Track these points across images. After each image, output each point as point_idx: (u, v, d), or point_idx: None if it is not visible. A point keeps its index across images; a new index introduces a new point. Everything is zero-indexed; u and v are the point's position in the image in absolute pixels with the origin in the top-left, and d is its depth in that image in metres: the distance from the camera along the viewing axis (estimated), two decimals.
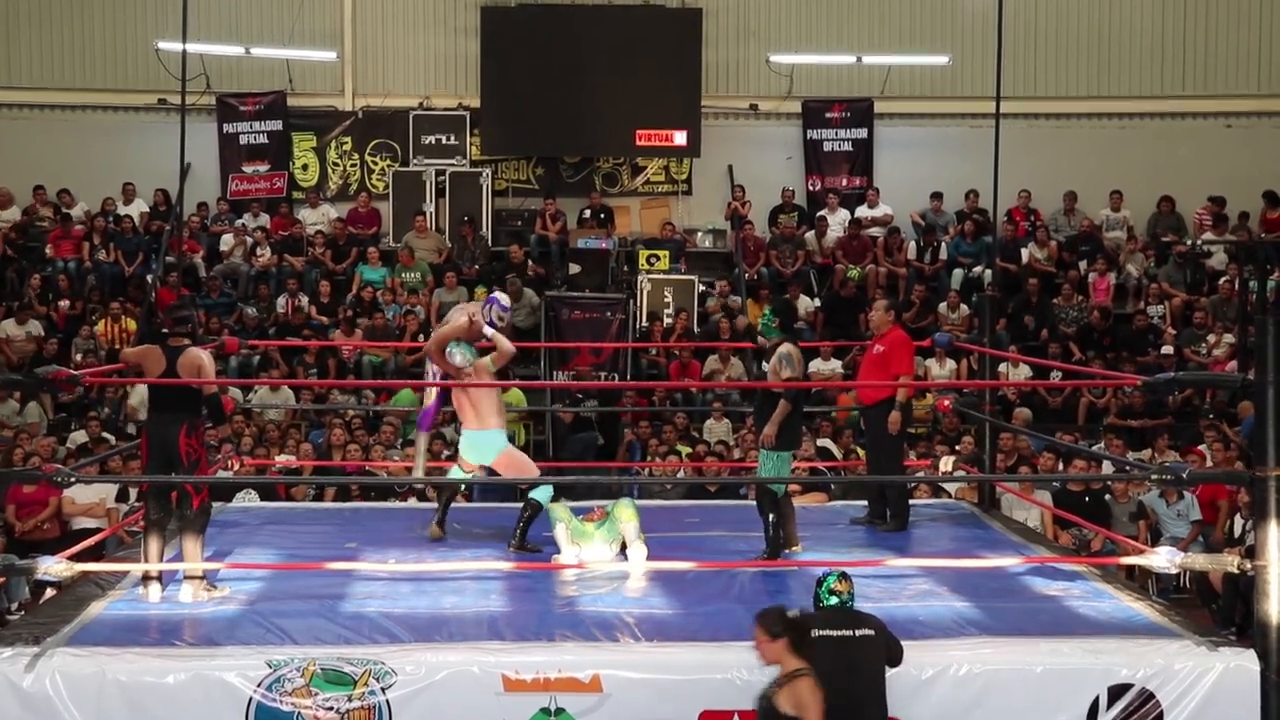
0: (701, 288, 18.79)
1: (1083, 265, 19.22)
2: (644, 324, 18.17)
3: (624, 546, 9.32)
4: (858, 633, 6.88)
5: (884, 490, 10.52)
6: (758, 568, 8.95)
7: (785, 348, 9.45)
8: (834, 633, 6.86)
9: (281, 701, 6.78)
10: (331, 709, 6.80)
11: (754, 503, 11.53)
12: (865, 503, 10.89)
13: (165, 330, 8.69)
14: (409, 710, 6.83)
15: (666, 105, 19.87)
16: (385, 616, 7.70)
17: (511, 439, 10.75)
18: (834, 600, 7.01)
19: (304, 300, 18.44)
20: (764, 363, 9.65)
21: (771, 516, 9.29)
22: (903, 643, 7.00)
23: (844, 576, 7.10)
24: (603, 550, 9.25)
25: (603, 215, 19.82)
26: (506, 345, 10.04)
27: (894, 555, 9.45)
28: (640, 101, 19.74)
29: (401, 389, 16.16)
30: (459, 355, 9.91)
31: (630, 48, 19.77)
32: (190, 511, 8.25)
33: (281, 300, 18.42)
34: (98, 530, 12.11)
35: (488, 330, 9.99)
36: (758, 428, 9.55)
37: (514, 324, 18.07)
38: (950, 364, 16.95)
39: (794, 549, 9.49)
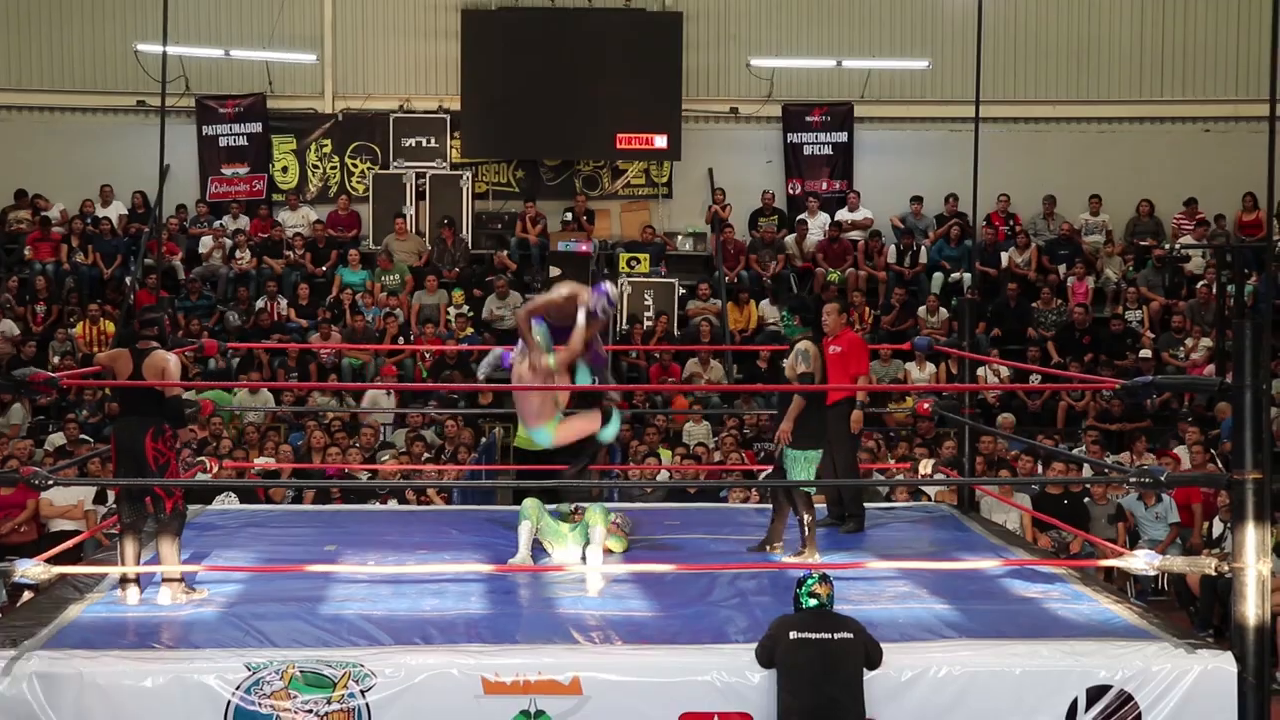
0: (682, 290, 18.83)
1: (1061, 269, 19.29)
2: (624, 326, 18.19)
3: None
4: (836, 635, 6.88)
5: (841, 492, 10.49)
6: (737, 569, 8.92)
7: (804, 344, 9.38)
8: (812, 635, 6.86)
9: (260, 704, 6.75)
10: (310, 712, 6.78)
11: (732, 506, 11.59)
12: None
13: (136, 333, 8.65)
14: (388, 713, 6.80)
15: (647, 108, 19.90)
16: (364, 619, 7.68)
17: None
18: (813, 602, 7.02)
19: (283, 303, 18.41)
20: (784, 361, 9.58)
21: (807, 517, 9.24)
22: (882, 645, 7.01)
23: (824, 579, 7.11)
24: (575, 553, 9.23)
25: (585, 218, 19.82)
26: (576, 344, 9.28)
27: (873, 557, 9.45)
28: (620, 105, 19.76)
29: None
30: (537, 333, 9.28)
31: (610, 51, 19.80)
32: (164, 515, 8.22)
33: (260, 302, 18.39)
34: (76, 532, 12.07)
35: (580, 317, 9.21)
36: (778, 425, 9.43)
37: (496, 326, 18.14)
38: (930, 367, 16.99)
39: (775, 548, 9.47)
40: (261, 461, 14.12)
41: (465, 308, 18.25)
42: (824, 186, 20.72)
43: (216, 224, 19.86)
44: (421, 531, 10.32)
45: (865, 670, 6.89)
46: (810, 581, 7.08)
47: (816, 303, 18.31)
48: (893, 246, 19.73)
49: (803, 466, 9.29)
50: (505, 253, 19.23)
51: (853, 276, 19.09)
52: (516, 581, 8.67)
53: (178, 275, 19.05)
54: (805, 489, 9.24)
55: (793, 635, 6.88)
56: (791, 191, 20.77)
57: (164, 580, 8.15)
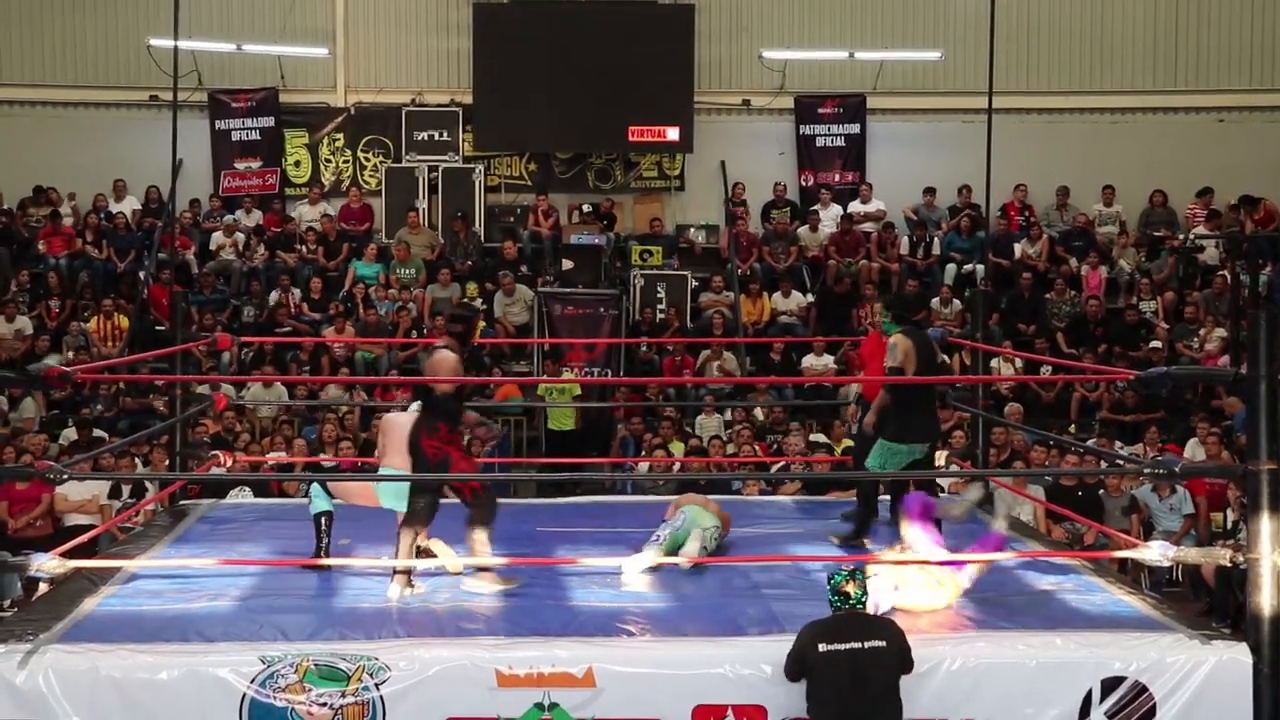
0: (695, 283, 18.81)
1: (1075, 260, 19.24)
2: (637, 319, 18.18)
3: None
4: (867, 645, 6.65)
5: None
6: (749, 562, 8.90)
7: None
8: (841, 646, 6.62)
9: (275, 697, 6.76)
10: (325, 705, 6.79)
11: (747, 499, 11.58)
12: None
13: None
14: (403, 706, 6.82)
15: (659, 101, 19.85)
16: (379, 612, 7.70)
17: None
18: (838, 601, 6.81)
19: (296, 296, 18.42)
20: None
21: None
22: None
23: (852, 575, 6.84)
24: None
25: (606, 222, 19.73)
26: None
27: (885, 549, 9.42)
28: (633, 97, 19.70)
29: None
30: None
31: (623, 43, 19.74)
32: (468, 502, 8.40)
33: (274, 296, 18.40)
34: (90, 527, 12.09)
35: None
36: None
37: (509, 321, 18.14)
38: (943, 359, 16.94)
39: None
40: (275, 455, 14.12)
41: (479, 300, 18.26)
42: (836, 178, 20.67)
43: (229, 218, 19.87)
44: (435, 524, 10.29)
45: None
46: (836, 578, 6.83)
47: (831, 295, 18.44)
48: (906, 238, 19.70)
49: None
50: (518, 245, 19.21)
51: (865, 268, 19.05)
52: (529, 574, 8.67)
53: (191, 270, 19.07)
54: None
55: (821, 648, 6.62)
56: (804, 183, 20.73)
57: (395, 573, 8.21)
